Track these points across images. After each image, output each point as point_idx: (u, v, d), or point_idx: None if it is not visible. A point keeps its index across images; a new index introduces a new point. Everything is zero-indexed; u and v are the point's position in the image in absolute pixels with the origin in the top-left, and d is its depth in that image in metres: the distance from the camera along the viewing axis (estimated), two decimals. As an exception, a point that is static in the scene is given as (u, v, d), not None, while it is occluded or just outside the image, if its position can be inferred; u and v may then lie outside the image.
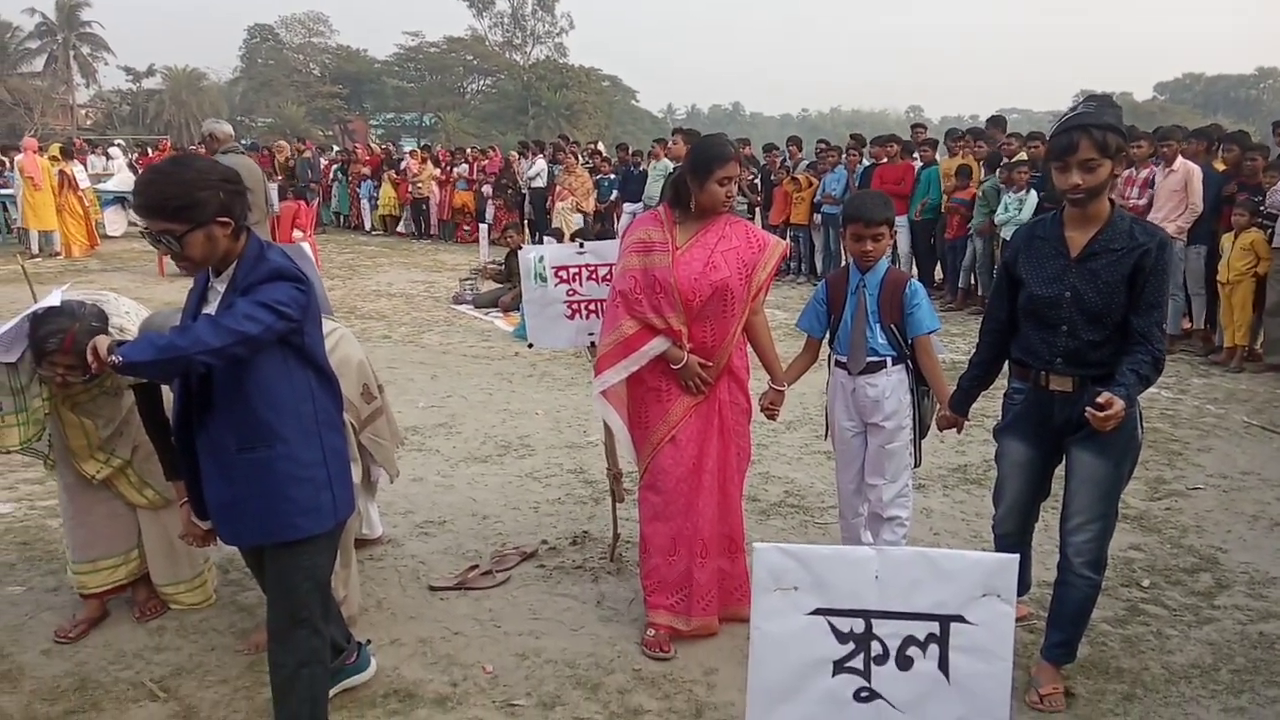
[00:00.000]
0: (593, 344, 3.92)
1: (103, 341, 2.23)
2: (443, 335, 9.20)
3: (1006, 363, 3.20)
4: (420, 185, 17.24)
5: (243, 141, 6.76)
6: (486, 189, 16.89)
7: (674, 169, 4.18)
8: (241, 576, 3.92)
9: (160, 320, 3.03)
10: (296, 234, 11.85)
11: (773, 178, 12.74)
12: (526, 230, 13.43)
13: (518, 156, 17.46)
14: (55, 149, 14.74)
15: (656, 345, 3.31)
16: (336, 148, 23.09)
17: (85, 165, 16.68)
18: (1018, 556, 2.23)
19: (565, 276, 3.89)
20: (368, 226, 18.41)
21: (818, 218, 12.05)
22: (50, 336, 2.94)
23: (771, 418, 3.66)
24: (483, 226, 13.04)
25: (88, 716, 2.95)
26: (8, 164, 15.42)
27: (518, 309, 9.97)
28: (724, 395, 3.42)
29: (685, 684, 3.16)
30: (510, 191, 16.48)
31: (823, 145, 12.85)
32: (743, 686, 2.46)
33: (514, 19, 64.53)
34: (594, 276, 3.88)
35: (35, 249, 13.57)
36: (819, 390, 5.26)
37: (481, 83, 66.30)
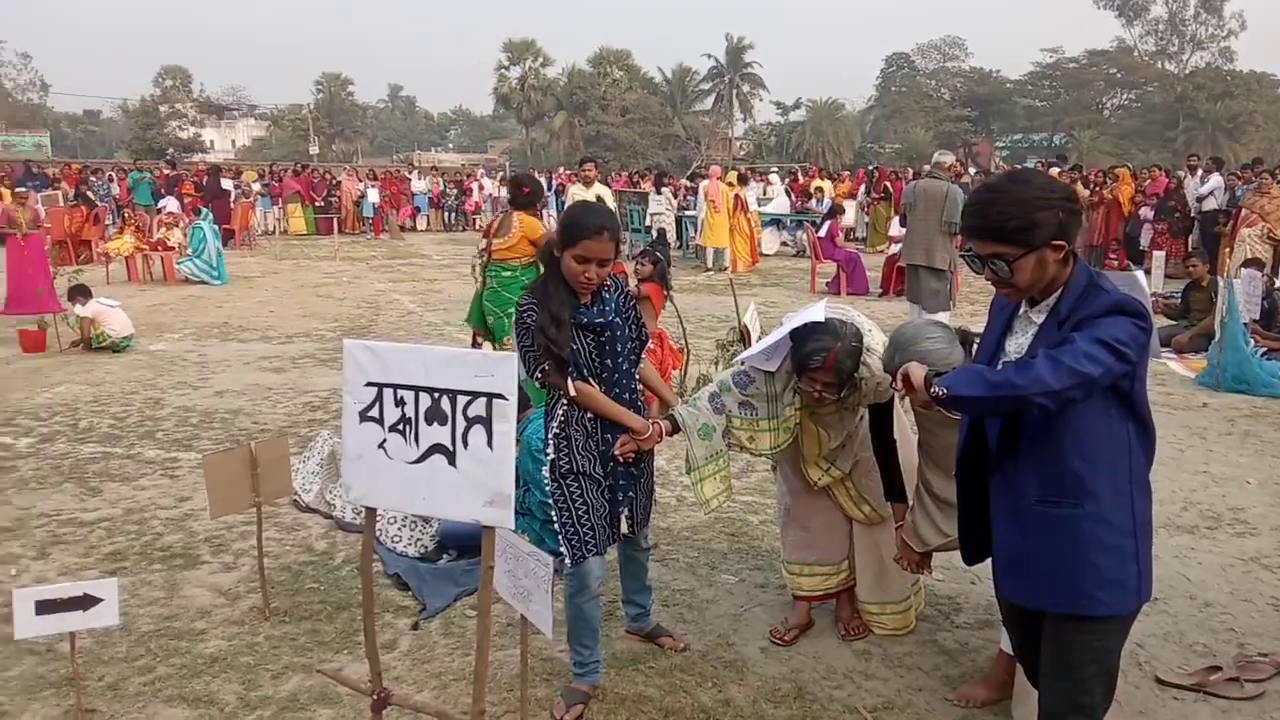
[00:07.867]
0: None
1: (917, 370, 2.10)
2: (1104, 374, 8.28)
3: None
4: (1066, 208, 16.01)
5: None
6: (1145, 211, 15.09)
7: None
8: (937, 615, 3.75)
9: (911, 332, 2.87)
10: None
11: None
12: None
13: (1186, 175, 15.33)
14: (733, 176, 16.68)
15: None
16: (974, 170, 22.70)
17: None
18: None
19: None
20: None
21: None
22: (815, 354, 3.01)
23: None
24: (1157, 255, 11.59)
25: (809, 728, 2.98)
26: (694, 190, 17.87)
27: (1199, 351, 8.63)
28: None
29: None
30: (1178, 215, 14.52)
31: None
32: None
33: (1170, 24, 58.27)
34: None
35: (709, 264, 15.47)
36: None
37: (1123, 97, 61.49)
